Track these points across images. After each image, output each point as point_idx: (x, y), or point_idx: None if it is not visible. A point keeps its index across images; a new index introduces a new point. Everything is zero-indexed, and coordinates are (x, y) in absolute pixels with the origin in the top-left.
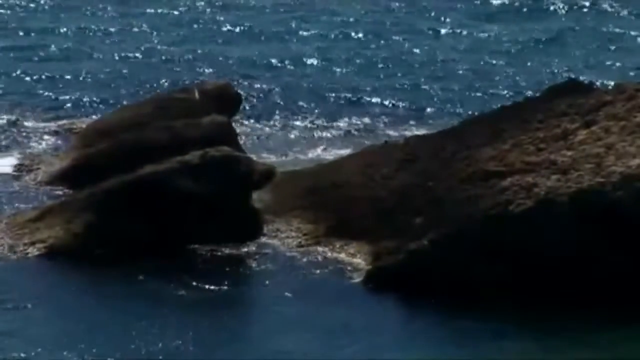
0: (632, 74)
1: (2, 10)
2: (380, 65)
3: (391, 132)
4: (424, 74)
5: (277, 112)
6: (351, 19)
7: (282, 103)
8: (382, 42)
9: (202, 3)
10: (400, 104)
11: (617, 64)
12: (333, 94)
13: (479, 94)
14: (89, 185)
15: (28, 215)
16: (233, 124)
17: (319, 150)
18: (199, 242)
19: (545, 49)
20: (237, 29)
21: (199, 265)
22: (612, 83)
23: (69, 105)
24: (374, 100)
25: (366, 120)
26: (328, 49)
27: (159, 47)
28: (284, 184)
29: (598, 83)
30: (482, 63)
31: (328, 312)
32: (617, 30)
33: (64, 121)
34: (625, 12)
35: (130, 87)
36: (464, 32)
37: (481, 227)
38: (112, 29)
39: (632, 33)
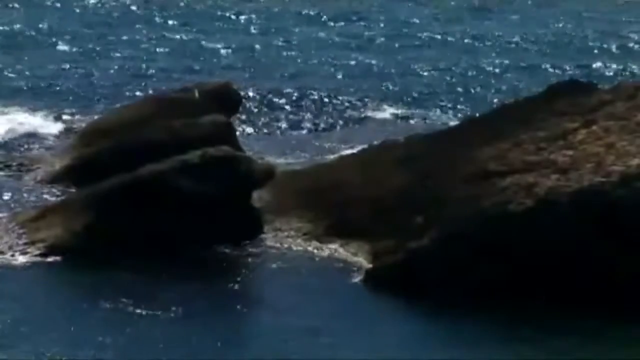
0: (632, 74)
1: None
2: (380, 65)
3: (391, 132)
4: (423, 74)
5: (277, 111)
6: (351, 20)
7: (282, 103)
8: (380, 42)
9: (201, 3)
10: (400, 104)
11: (617, 64)
12: (333, 93)
13: (479, 94)
14: (89, 184)
15: (28, 214)
16: (233, 124)
17: (319, 150)
18: (199, 241)
19: (545, 48)
20: (237, 29)
21: (199, 264)
22: (612, 83)
23: (69, 105)
24: (373, 100)
25: (366, 119)
26: (328, 49)
27: (159, 46)
28: (283, 184)
29: (598, 83)
30: (481, 62)
31: (327, 312)
32: (617, 30)
33: (64, 121)
34: (625, 11)
35: (130, 87)
36: (464, 31)
37: (481, 227)
38: (112, 30)
39: (632, 33)
